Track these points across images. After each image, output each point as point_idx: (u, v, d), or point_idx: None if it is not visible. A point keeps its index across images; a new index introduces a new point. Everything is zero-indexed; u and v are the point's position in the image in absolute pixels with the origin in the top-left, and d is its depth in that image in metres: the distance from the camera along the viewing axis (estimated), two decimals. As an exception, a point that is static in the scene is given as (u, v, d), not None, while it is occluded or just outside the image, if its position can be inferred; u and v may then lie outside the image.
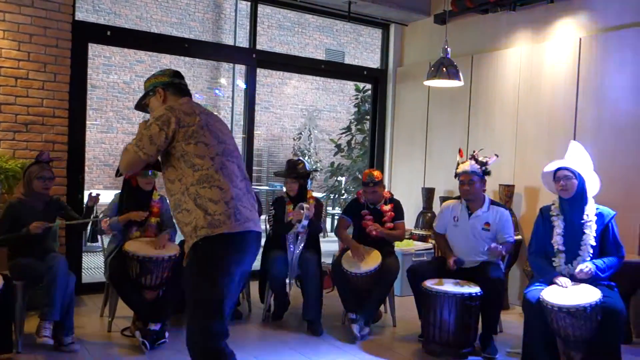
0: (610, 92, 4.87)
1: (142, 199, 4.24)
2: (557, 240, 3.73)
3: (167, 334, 4.00)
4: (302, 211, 4.41)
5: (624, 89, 4.77)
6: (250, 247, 2.59)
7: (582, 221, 3.68)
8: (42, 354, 3.72)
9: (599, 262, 3.60)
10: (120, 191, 4.33)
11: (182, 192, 2.56)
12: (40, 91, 4.76)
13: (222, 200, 2.51)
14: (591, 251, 3.65)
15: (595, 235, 3.65)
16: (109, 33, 5.40)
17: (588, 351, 3.47)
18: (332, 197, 10.26)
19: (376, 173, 4.70)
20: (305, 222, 4.42)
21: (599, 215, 3.70)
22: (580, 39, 5.08)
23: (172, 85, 2.76)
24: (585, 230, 3.66)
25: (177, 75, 2.81)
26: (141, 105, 2.84)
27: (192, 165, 2.54)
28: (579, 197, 3.71)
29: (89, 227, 4.91)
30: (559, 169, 3.76)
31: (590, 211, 3.70)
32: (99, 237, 4.97)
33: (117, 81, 13.00)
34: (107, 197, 4.63)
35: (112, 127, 12.61)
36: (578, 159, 3.78)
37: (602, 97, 4.92)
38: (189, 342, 2.51)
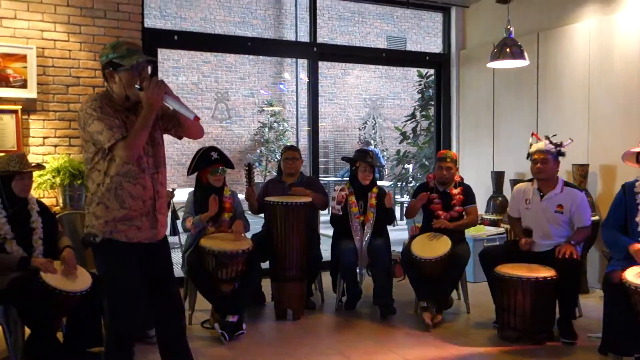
0: (690, 61, 4.60)
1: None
2: None
3: (244, 325, 4.14)
4: (342, 192, 4.60)
5: None
6: None
7: None
8: (130, 346, 3.95)
9: None
10: (193, 189, 4.51)
11: None
12: (116, 98, 5.01)
13: None
14: None
15: None
16: (176, 37, 5.61)
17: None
18: (399, 185, 10.20)
19: (452, 152, 4.77)
20: (332, 203, 4.63)
21: None
22: (654, 8, 4.83)
23: None
24: None
25: None
26: None
27: None
28: None
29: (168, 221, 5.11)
30: None
31: None
32: (179, 233, 5.16)
33: (185, 82, 13.45)
34: (181, 194, 4.83)
35: (183, 128, 13.04)
36: None
37: (682, 68, 4.66)
38: None
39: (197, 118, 2.63)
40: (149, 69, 2.76)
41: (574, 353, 3.81)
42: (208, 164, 4.33)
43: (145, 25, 5.31)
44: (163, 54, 12.16)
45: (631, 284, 3.33)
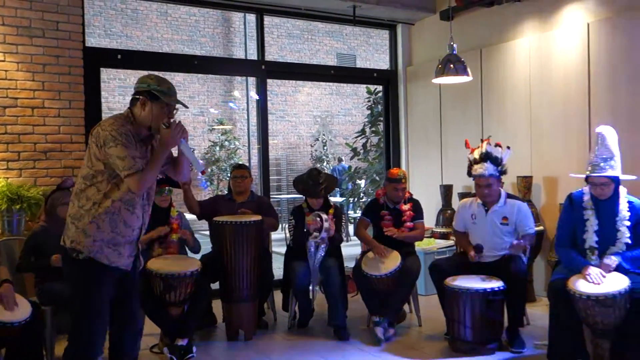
0: (622, 75, 4.80)
1: (160, 216, 4.29)
2: (591, 237, 3.63)
3: (194, 349, 4.03)
4: (317, 219, 4.44)
5: (637, 71, 4.70)
6: None
7: (617, 218, 3.57)
8: (74, 376, 3.79)
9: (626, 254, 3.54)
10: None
11: None
12: (57, 119, 4.87)
13: None
14: (624, 248, 3.56)
15: (629, 234, 3.55)
16: (119, 57, 5.50)
17: (616, 339, 3.42)
18: (351, 201, 10.27)
19: (403, 170, 4.81)
20: (324, 235, 4.44)
21: (631, 208, 3.59)
22: (588, 24, 5.03)
23: None
24: (620, 228, 3.56)
25: None
26: None
27: None
28: (614, 195, 3.59)
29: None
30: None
31: (624, 205, 3.58)
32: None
33: (133, 102, 13.14)
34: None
35: (132, 148, 12.78)
36: (612, 145, 3.56)
37: (615, 81, 4.85)
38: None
39: (204, 172, 2.78)
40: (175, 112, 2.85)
41: (523, 361, 3.88)
42: (153, 184, 4.23)
43: (89, 44, 5.20)
44: (109, 73, 11.91)
45: (575, 291, 3.42)
